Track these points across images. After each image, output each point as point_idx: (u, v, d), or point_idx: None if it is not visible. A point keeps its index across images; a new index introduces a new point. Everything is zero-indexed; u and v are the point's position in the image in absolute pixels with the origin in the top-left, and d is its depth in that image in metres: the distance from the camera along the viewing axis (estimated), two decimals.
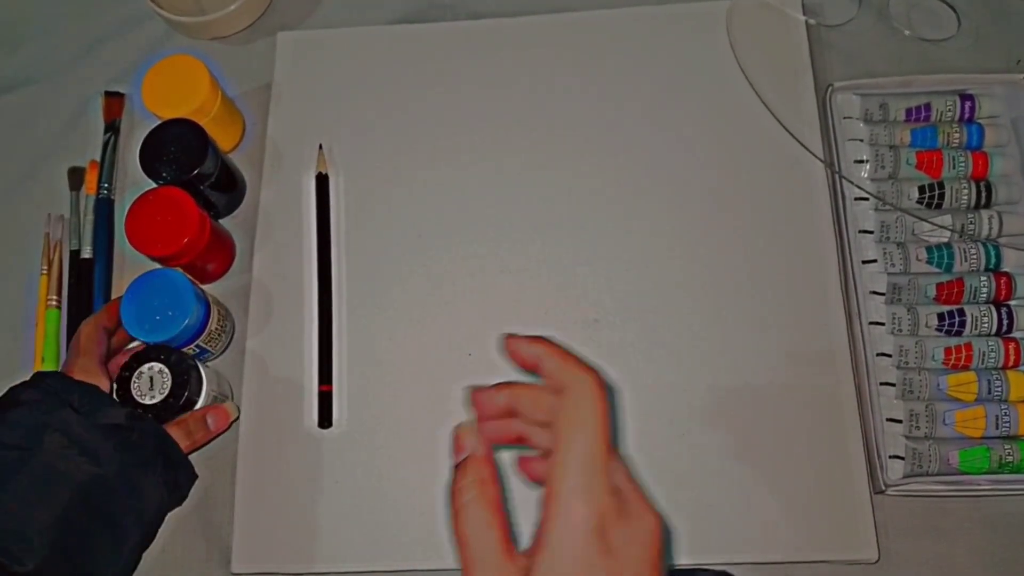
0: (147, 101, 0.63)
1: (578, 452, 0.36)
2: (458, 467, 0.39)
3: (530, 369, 0.40)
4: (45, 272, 0.66)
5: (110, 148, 0.69)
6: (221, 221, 0.67)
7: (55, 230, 0.67)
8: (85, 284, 0.65)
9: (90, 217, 0.67)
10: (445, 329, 0.62)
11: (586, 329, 0.61)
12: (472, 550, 0.36)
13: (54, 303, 0.65)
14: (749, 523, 0.56)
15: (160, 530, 0.59)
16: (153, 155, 0.61)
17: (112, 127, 0.70)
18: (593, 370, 0.38)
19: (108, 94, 0.71)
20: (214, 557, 0.58)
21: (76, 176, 0.69)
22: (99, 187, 0.67)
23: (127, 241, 0.59)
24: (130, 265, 0.65)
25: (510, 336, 0.40)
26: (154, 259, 0.60)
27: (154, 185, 0.61)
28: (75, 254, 0.66)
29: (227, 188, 0.66)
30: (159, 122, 0.62)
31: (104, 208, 0.67)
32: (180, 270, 0.60)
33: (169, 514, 0.60)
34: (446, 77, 0.68)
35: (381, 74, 0.69)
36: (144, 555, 0.56)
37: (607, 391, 0.38)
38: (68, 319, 0.65)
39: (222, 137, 0.67)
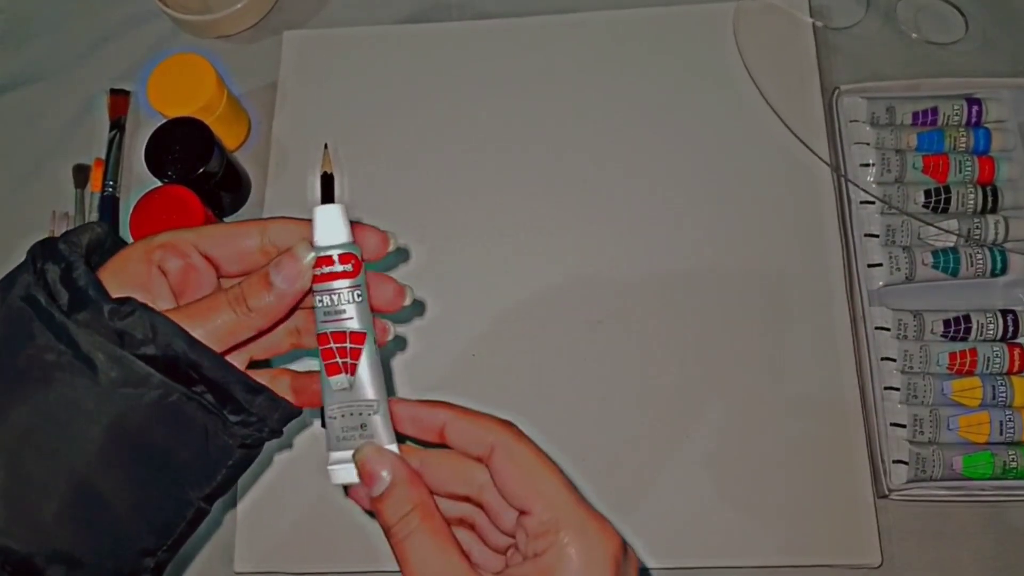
0: (152, 99, 0.63)
1: (562, 492, 0.33)
2: (379, 500, 0.35)
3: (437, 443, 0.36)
4: None
5: (115, 146, 0.69)
6: (226, 220, 0.67)
7: (59, 227, 0.67)
8: None
9: (95, 215, 0.67)
10: (448, 330, 0.61)
11: (590, 330, 0.60)
12: None
13: None
14: (751, 526, 0.56)
15: None
16: (158, 153, 0.61)
17: (117, 125, 0.70)
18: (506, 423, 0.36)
19: (113, 92, 0.71)
20: (217, 556, 0.58)
21: (81, 174, 0.69)
22: (104, 185, 0.67)
23: (132, 239, 0.59)
24: None
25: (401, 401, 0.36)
26: None
27: (159, 183, 0.61)
28: None
29: (232, 187, 0.66)
30: (164, 120, 0.62)
31: (109, 206, 0.67)
32: None
33: None
34: (452, 77, 0.68)
35: (387, 73, 0.69)
36: None
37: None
38: None
39: (227, 136, 0.67)
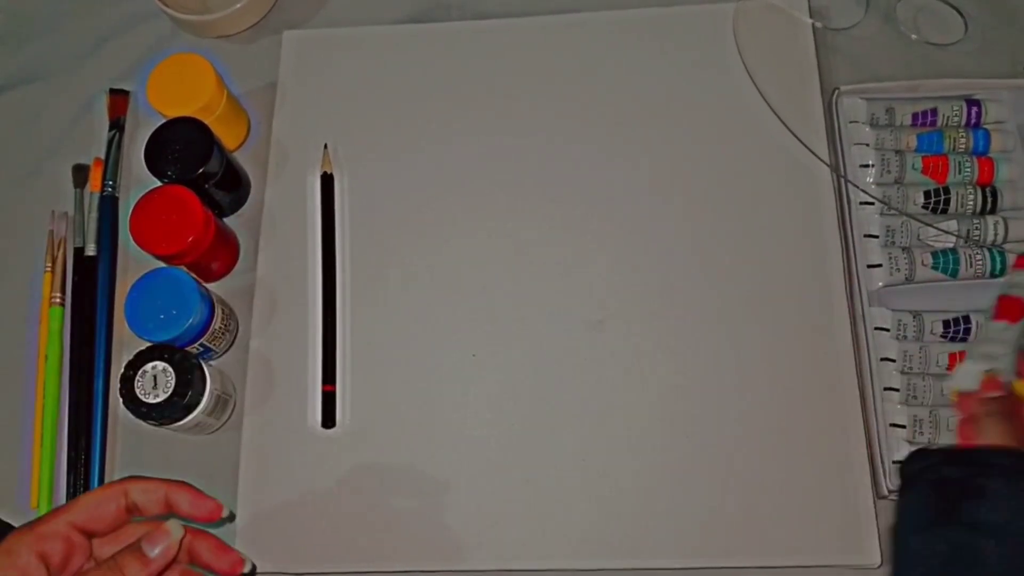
0: (152, 99, 0.63)
1: None
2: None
3: None
4: (48, 269, 0.66)
5: (115, 145, 0.69)
6: (226, 219, 0.67)
7: (59, 227, 0.67)
8: (89, 282, 0.65)
9: (94, 215, 0.67)
10: (449, 330, 0.61)
11: (590, 331, 0.61)
12: None
13: (58, 300, 0.65)
14: (751, 526, 0.56)
15: None
16: (158, 153, 0.61)
17: (117, 124, 0.70)
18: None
19: (113, 91, 0.71)
20: None
21: (80, 173, 0.69)
22: (103, 184, 0.67)
23: (133, 239, 0.59)
24: (134, 264, 0.65)
25: None
26: (159, 257, 0.60)
27: (159, 183, 0.61)
28: (79, 252, 0.66)
29: (232, 187, 0.66)
30: (164, 120, 0.62)
31: (108, 205, 0.67)
32: (184, 269, 0.60)
33: None
34: (452, 77, 0.68)
35: (387, 74, 0.69)
36: None
37: None
38: (72, 317, 0.65)
39: (227, 135, 0.67)
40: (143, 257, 0.60)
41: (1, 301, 0.67)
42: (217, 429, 0.61)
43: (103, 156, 0.69)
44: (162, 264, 0.61)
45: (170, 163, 0.61)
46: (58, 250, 0.67)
